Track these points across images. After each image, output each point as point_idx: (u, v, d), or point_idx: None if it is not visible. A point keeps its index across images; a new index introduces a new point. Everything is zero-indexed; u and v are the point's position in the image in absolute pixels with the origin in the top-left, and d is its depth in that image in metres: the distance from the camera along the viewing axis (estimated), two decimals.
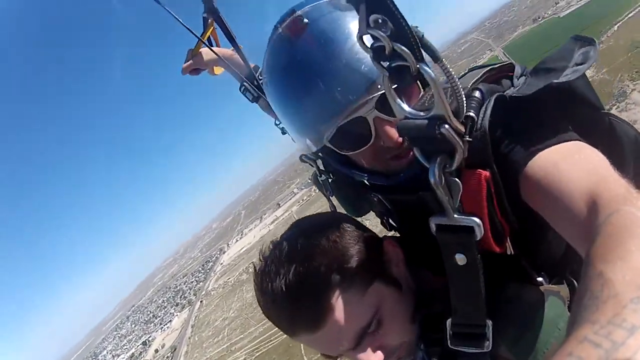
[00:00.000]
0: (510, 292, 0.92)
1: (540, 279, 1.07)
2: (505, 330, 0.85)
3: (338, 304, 0.84)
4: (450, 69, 0.60)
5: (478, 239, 0.75)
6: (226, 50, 1.51)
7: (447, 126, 0.64)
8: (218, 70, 1.61)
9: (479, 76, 0.94)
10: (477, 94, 0.78)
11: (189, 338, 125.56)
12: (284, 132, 1.52)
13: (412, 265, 1.05)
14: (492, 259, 0.83)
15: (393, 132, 0.88)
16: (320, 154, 1.27)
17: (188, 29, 1.25)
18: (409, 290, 0.99)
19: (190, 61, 1.52)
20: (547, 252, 1.04)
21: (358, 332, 0.86)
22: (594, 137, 0.93)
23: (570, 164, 0.75)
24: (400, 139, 0.89)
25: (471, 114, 0.71)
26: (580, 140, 0.82)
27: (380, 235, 1.17)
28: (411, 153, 0.90)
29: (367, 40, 0.64)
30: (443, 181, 0.70)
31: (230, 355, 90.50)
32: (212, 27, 1.39)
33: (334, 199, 1.23)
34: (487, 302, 0.83)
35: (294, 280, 0.83)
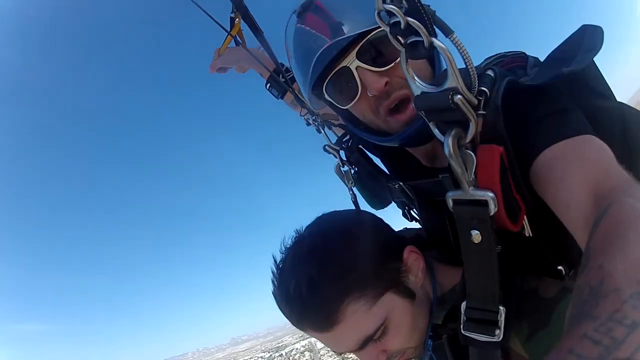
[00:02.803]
0: (527, 286, 0.92)
1: (560, 267, 1.07)
2: (519, 323, 0.85)
3: (346, 313, 0.88)
4: (461, 43, 0.64)
5: (492, 213, 0.76)
6: (252, 48, 1.59)
7: (459, 96, 0.67)
8: (243, 68, 1.69)
9: (491, 59, 0.96)
10: (489, 72, 0.81)
11: None
12: (308, 124, 1.57)
13: (433, 261, 1.06)
14: (512, 246, 0.84)
15: (375, 79, 0.92)
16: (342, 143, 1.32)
17: (218, 23, 1.33)
18: (424, 300, 1.00)
19: (217, 59, 1.61)
20: (564, 238, 1.05)
21: (362, 339, 0.90)
22: (605, 128, 0.92)
23: (574, 156, 0.77)
24: (384, 85, 0.93)
25: (484, 88, 0.75)
26: (588, 133, 0.82)
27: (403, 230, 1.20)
28: (409, 109, 0.95)
29: (384, 17, 0.69)
30: (457, 153, 0.73)
31: None
32: (239, 25, 1.47)
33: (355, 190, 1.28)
34: (502, 290, 0.83)
35: (306, 287, 0.88)
